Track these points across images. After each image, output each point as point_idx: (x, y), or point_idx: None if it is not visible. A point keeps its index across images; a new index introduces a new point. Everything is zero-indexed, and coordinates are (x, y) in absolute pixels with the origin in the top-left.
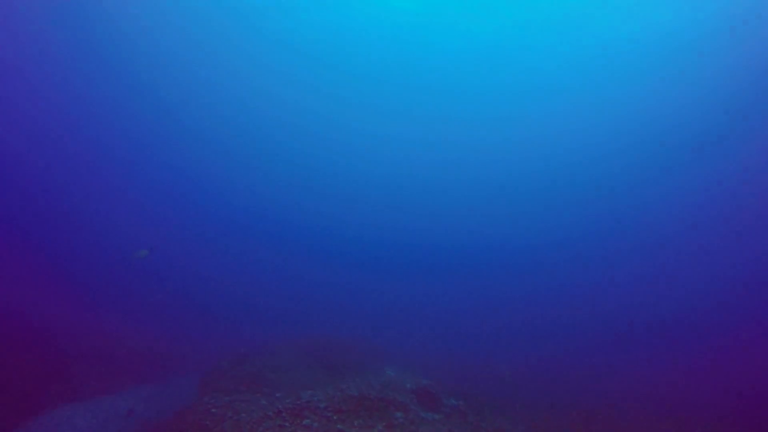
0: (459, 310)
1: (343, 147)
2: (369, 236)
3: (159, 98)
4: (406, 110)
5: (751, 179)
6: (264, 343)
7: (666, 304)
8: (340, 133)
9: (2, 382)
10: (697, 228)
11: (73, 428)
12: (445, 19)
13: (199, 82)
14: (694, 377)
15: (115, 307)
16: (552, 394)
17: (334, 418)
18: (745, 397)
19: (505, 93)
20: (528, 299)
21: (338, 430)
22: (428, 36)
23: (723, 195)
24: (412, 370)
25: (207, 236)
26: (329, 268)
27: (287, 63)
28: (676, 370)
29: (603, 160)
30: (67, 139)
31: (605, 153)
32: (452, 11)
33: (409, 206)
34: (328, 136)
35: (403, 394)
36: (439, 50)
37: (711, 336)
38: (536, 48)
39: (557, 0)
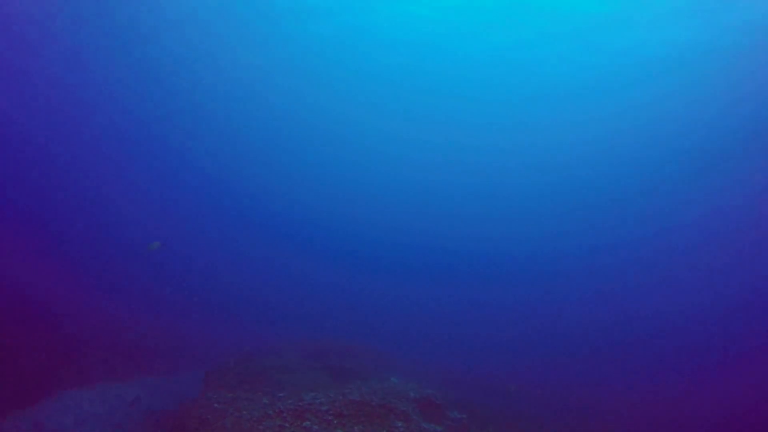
0: (466, 319)
1: (365, 150)
2: (381, 240)
3: (179, 92)
4: (424, 115)
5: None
6: (270, 343)
7: (672, 313)
8: (361, 136)
9: (10, 366)
10: (704, 238)
11: (79, 413)
12: (465, 29)
13: (222, 82)
14: (697, 387)
15: (128, 299)
16: (558, 409)
17: (335, 422)
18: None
19: (517, 101)
20: (536, 308)
21: None
22: (445, 43)
23: (731, 208)
24: (416, 378)
25: (221, 234)
26: (340, 270)
27: (310, 68)
28: (683, 382)
29: (611, 171)
30: (87, 131)
31: (614, 163)
32: (471, 20)
33: (424, 211)
34: (348, 138)
35: (405, 402)
36: (455, 57)
37: (715, 346)
38: (557, 58)
39: (574, 13)
